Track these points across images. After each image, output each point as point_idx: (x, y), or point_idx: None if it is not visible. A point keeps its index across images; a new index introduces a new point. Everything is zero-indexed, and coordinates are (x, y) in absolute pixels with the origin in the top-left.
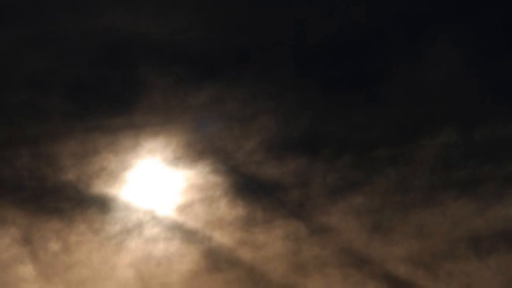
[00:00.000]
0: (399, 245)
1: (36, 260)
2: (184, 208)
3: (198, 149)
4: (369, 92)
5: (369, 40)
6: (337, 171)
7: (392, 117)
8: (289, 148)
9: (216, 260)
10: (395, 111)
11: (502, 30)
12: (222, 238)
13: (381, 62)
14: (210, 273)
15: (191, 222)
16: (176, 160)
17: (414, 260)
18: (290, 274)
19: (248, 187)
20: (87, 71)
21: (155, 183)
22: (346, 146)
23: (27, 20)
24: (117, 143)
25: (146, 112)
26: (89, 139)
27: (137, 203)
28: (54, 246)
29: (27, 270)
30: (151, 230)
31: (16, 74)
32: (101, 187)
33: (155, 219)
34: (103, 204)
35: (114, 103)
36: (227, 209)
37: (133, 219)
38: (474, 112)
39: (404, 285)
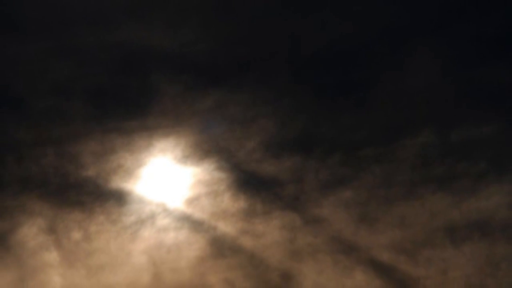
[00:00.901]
0: (383, 234)
1: (60, 248)
2: (191, 201)
3: (204, 149)
4: (357, 98)
5: (357, 51)
6: (328, 168)
7: (377, 120)
8: (285, 148)
9: (220, 247)
10: (380, 114)
11: (475, 43)
12: (226, 227)
13: (367, 71)
14: (215, 259)
15: (198, 214)
16: (185, 158)
17: (396, 247)
18: (286, 260)
19: (249, 183)
20: (105, 79)
21: (166, 179)
22: (336, 146)
23: (52, 34)
24: (132, 143)
25: (158, 116)
26: (107, 140)
27: (150, 196)
28: (76, 235)
29: (52, 256)
30: (162, 221)
31: (42, 82)
32: (118, 183)
33: (166, 211)
34: (120, 198)
35: (130, 107)
36: (230, 202)
37: (147, 211)
38: (450, 115)
39: (388, 269)
